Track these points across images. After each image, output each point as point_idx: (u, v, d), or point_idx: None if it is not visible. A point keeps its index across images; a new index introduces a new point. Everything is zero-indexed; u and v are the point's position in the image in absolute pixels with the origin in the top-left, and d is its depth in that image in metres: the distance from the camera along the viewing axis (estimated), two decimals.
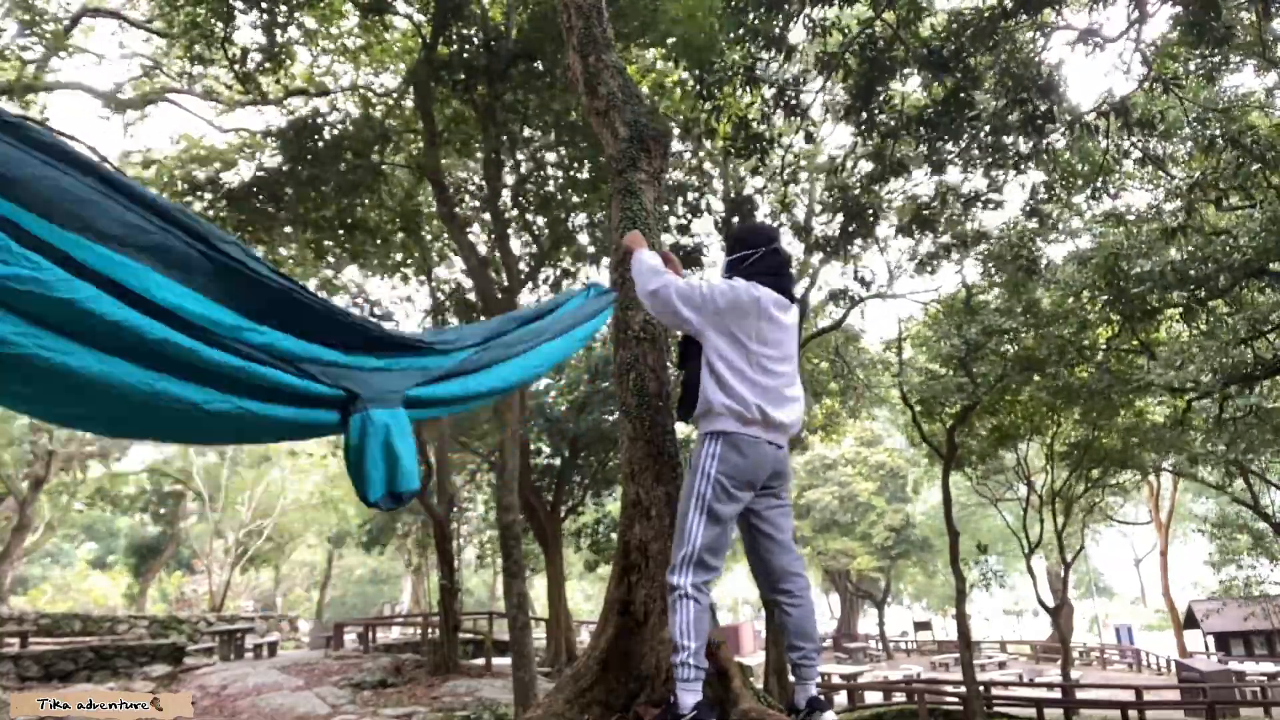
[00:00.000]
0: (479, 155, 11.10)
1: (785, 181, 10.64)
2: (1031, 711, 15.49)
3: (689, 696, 2.55)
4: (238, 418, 1.63)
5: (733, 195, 11.86)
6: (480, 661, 15.91)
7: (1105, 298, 10.60)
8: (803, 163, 12.87)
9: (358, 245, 11.36)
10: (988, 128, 7.59)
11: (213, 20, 9.50)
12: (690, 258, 9.28)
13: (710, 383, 2.73)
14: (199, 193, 10.39)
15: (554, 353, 2.63)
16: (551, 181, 11.68)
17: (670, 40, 9.48)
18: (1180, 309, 10.28)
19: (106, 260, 1.34)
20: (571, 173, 11.36)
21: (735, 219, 10.63)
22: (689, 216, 9.46)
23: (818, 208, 13.30)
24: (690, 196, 9.55)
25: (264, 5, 9.35)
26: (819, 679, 3.08)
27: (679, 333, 3.06)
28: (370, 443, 1.78)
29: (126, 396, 1.44)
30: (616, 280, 3.58)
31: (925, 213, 9.14)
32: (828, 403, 18.66)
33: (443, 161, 10.82)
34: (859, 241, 9.78)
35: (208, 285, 1.52)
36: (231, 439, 1.85)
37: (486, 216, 12.40)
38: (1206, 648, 28.92)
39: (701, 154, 12.44)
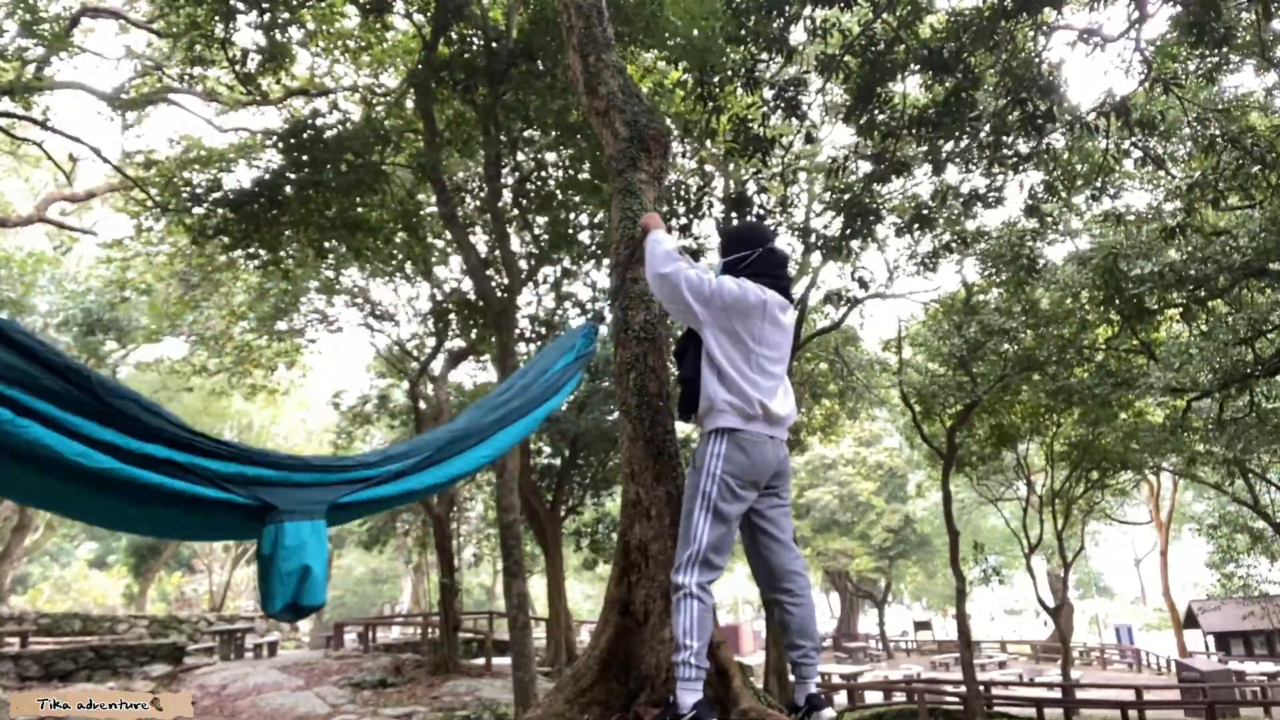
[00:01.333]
0: (480, 155, 11.10)
1: (786, 182, 10.63)
2: (1031, 711, 15.50)
3: (689, 696, 2.55)
4: (161, 523, 1.85)
5: (733, 195, 11.87)
6: (480, 661, 15.92)
7: (1104, 297, 10.60)
8: (803, 163, 12.88)
9: (359, 244, 11.36)
10: (988, 128, 7.60)
11: (213, 20, 9.50)
12: (693, 257, 9.26)
13: (712, 379, 2.74)
14: (199, 198, 10.39)
15: (512, 436, 2.63)
16: (551, 181, 11.69)
17: (671, 42, 9.50)
18: (1180, 309, 10.28)
19: (21, 395, 1.50)
20: (571, 173, 11.36)
21: (735, 219, 10.64)
22: (690, 217, 9.45)
23: (818, 208, 13.32)
24: (691, 197, 9.54)
25: (264, 5, 9.35)
26: (819, 678, 3.09)
27: (677, 331, 3.07)
28: (280, 557, 1.81)
29: (48, 495, 1.67)
30: (617, 285, 3.58)
31: (925, 212, 9.13)
32: (827, 404, 18.65)
33: (443, 162, 10.83)
34: (858, 241, 9.78)
35: (111, 418, 1.64)
36: (161, 535, 2.01)
37: (487, 216, 12.40)
38: (1206, 647, 28.92)
39: (703, 154, 12.45)
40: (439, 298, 14.39)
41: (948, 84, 7.25)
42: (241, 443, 1.91)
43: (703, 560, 2.65)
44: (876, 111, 7.62)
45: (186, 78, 11.80)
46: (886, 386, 18.73)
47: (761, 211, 8.88)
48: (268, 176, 10.01)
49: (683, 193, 9.27)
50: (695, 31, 9.23)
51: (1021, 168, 8.31)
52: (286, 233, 10.50)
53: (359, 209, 10.51)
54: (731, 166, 12.67)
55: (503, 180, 11.04)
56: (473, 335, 14.11)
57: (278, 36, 9.75)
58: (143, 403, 1.67)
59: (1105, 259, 9.91)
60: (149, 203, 11.64)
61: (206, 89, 12.35)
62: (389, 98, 12.23)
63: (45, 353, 1.53)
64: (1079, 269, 11.41)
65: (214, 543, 31.76)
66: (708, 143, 11.19)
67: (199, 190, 10.59)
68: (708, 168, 12.98)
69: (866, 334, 20.09)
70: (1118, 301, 10.25)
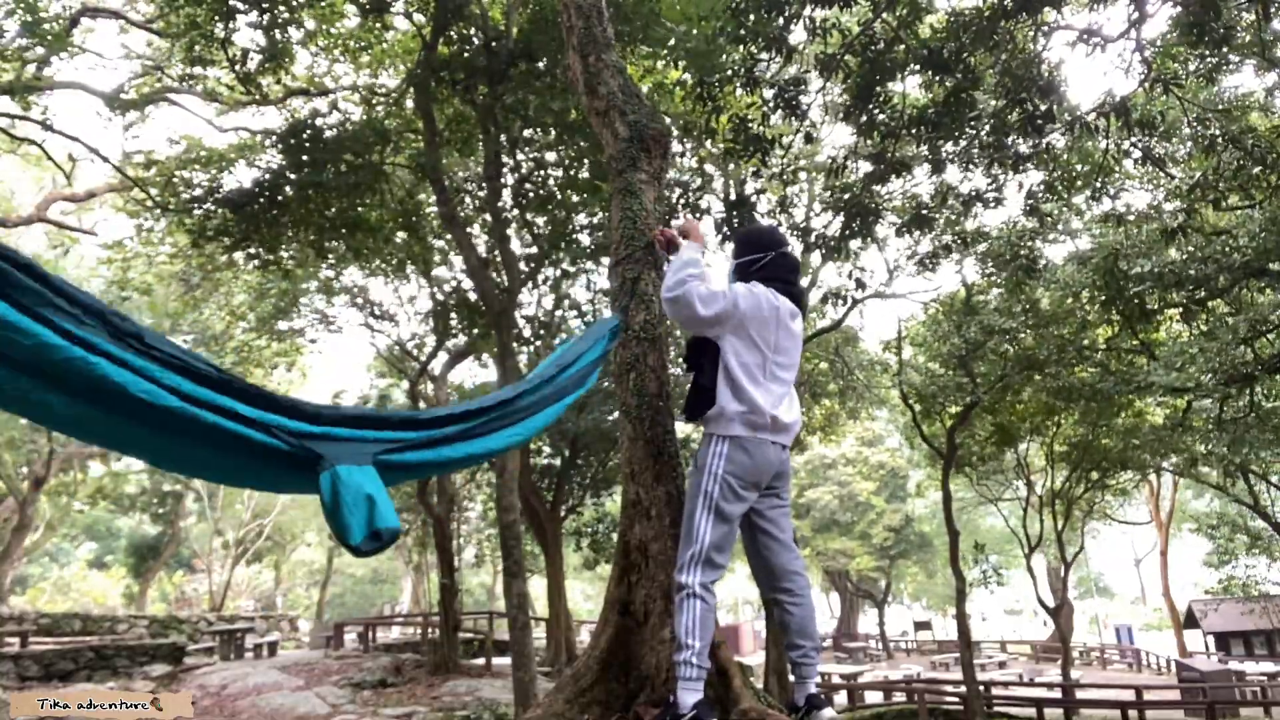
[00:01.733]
0: (480, 155, 11.10)
1: (785, 182, 10.63)
2: (1031, 711, 15.49)
3: (690, 695, 2.55)
4: (219, 466, 1.91)
5: (733, 195, 11.86)
6: (480, 661, 15.92)
7: (1104, 298, 10.61)
8: (802, 162, 12.87)
9: (359, 244, 11.37)
10: (988, 128, 7.60)
11: (213, 20, 9.50)
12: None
13: (725, 388, 2.73)
14: (200, 199, 10.40)
15: (538, 423, 2.68)
16: (551, 181, 11.69)
17: (670, 42, 9.49)
18: (1180, 309, 10.28)
19: (90, 333, 1.57)
20: (571, 173, 11.36)
21: (735, 219, 10.63)
22: (688, 218, 9.47)
23: (817, 207, 13.31)
24: (690, 197, 9.55)
25: (264, 5, 9.35)
26: (819, 678, 3.09)
27: (676, 331, 3.07)
28: (344, 492, 1.85)
29: (117, 435, 1.72)
30: (616, 287, 3.58)
31: (924, 212, 9.13)
32: (827, 403, 18.65)
33: (443, 161, 10.83)
34: (858, 242, 9.78)
35: (164, 363, 1.71)
36: (219, 479, 2.10)
37: (486, 216, 12.40)
38: (1206, 647, 28.92)
39: (702, 154, 12.44)
40: (439, 298, 14.39)
41: (947, 84, 7.25)
42: (273, 391, 1.97)
43: (705, 560, 2.66)
44: (876, 111, 7.62)
45: (186, 78, 11.81)
46: (887, 387, 18.73)
47: (761, 212, 8.87)
48: (268, 177, 10.01)
49: (682, 194, 9.27)
50: (694, 31, 9.23)
51: (1021, 168, 8.30)
52: (287, 233, 10.50)
53: (359, 209, 10.51)
54: (731, 167, 12.67)
55: (503, 180, 11.04)
56: (473, 335, 14.11)
57: (278, 36, 9.75)
58: (182, 350, 1.74)
59: (1105, 259, 9.92)
60: (149, 203, 11.64)
61: (206, 89, 12.35)
62: (389, 98, 12.24)
63: (96, 303, 1.60)
64: (1079, 269, 11.41)
65: (214, 541, 31.77)
66: (707, 143, 11.19)
67: (199, 190, 10.59)
68: (707, 167, 12.97)
69: (867, 334, 20.13)
70: (1118, 302, 10.26)
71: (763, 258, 2.94)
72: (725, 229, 8.02)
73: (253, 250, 10.62)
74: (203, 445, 1.76)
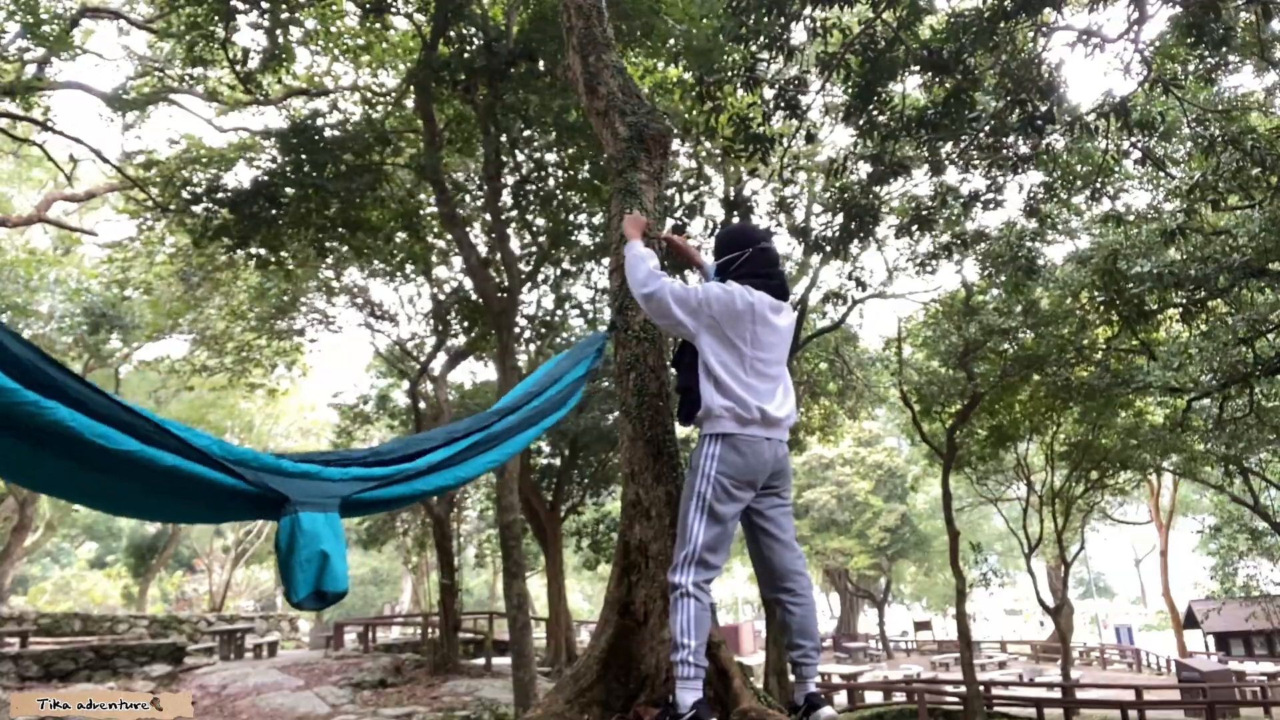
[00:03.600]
0: (479, 155, 11.10)
1: (785, 182, 10.64)
2: (1031, 711, 15.51)
3: (689, 695, 2.56)
4: (178, 510, 1.90)
5: (732, 196, 11.87)
6: (480, 661, 15.93)
7: (1103, 298, 10.61)
8: (802, 162, 12.87)
9: (359, 244, 11.37)
10: (987, 128, 7.60)
11: (213, 20, 9.50)
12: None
13: (708, 386, 2.75)
14: (200, 199, 10.39)
15: (515, 446, 2.69)
16: (551, 181, 11.69)
17: (670, 42, 9.50)
18: (1180, 309, 10.28)
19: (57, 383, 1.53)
20: (571, 173, 11.37)
21: (735, 219, 10.64)
22: (685, 219, 9.46)
23: (817, 208, 13.31)
24: (688, 197, 9.55)
25: (264, 5, 9.35)
26: (819, 678, 3.09)
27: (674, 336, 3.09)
28: (300, 542, 1.83)
29: (66, 481, 1.68)
30: (616, 287, 3.58)
31: (924, 213, 9.13)
32: (825, 403, 18.65)
33: (443, 162, 10.83)
34: (858, 242, 9.79)
35: (124, 407, 1.67)
36: (183, 521, 2.05)
37: (487, 216, 12.41)
38: (1206, 648, 28.93)
39: (702, 154, 12.45)
40: (439, 297, 14.39)
41: (947, 85, 7.25)
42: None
43: (699, 560, 2.67)
44: (876, 112, 7.62)
45: (186, 78, 11.81)
46: (886, 386, 18.74)
47: (760, 213, 8.88)
48: (267, 177, 10.01)
49: (680, 195, 9.27)
50: (695, 31, 9.23)
51: (1021, 169, 8.30)
52: (287, 232, 10.50)
53: (359, 209, 10.51)
54: (731, 169, 12.67)
55: (502, 180, 11.04)
56: (473, 335, 14.12)
57: (278, 36, 9.75)
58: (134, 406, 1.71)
59: (1105, 259, 9.92)
60: (149, 203, 11.64)
61: (207, 89, 12.36)
62: (389, 97, 12.24)
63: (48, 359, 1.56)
64: (1078, 269, 11.41)
65: (214, 541, 31.79)
66: (706, 142, 11.19)
67: (199, 190, 10.59)
68: (706, 168, 12.98)
69: (867, 333, 20.13)
70: (1118, 302, 10.26)
71: (740, 255, 2.95)
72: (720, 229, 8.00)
73: (253, 250, 10.63)
74: (163, 491, 1.72)
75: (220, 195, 10.19)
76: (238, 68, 9.90)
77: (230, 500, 1.82)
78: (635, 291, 2.89)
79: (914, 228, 9.22)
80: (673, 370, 3.25)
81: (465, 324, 13.90)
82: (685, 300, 2.78)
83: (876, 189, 8.79)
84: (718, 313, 2.75)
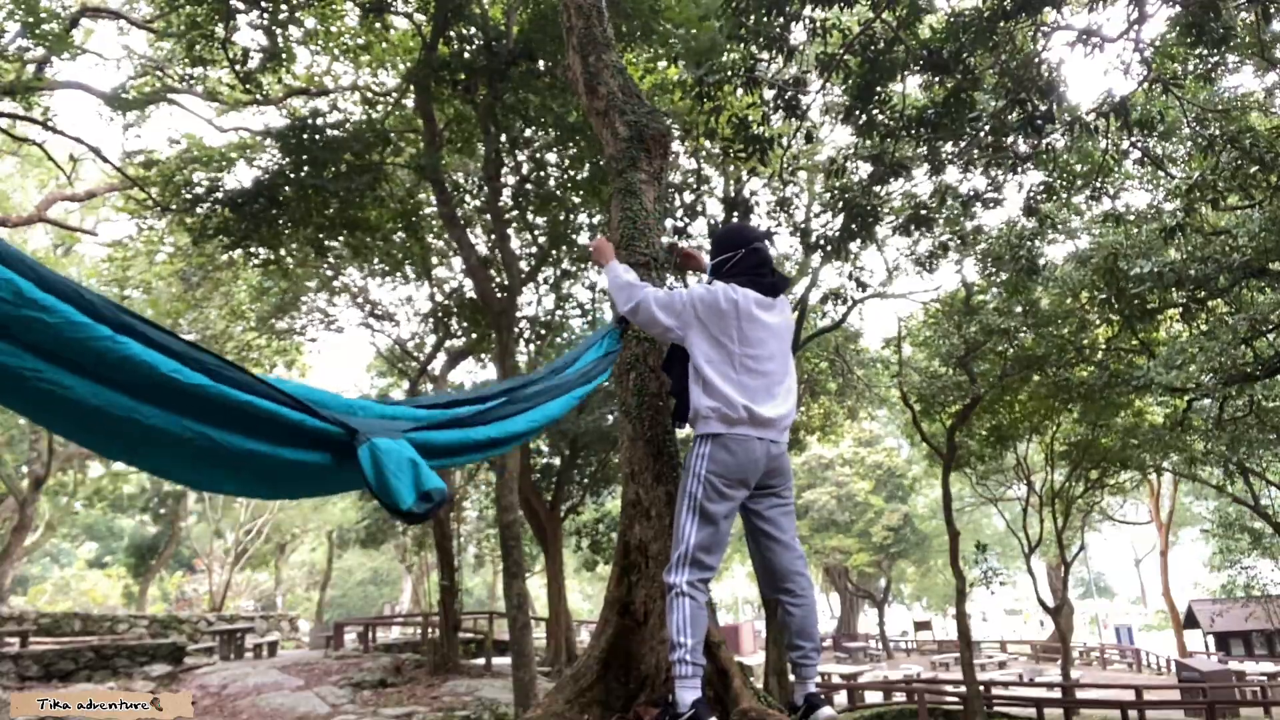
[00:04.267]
0: (479, 155, 11.11)
1: (785, 182, 10.63)
2: (1031, 711, 15.50)
3: (687, 694, 2.56)
4: (245, 459, 1.75)
5: (732, 196, 11.87)
6: (480, 661, 15.92)
7: (1104, 298, 10.61)
8: (802, 162, 12.87)
9: (358, 244, 11.37)
10: (987, 128, 7.59)
11: (213, 19, 9.50)
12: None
13: (695, 387, 2.79)
14: (200, 198, 10.39)
15: (552, 411, 2.73)
16: (551, 181, 11.69)
17: (670, 41, 9.50)
18: (1180, 309, 10.28)
19: (111, 309, 1.49)
20: (571, 173, 11.37)
21: (735, 219, 10.64)
22: (686, 219, 9.48)
23: (817, 208, 13.31)
24: (688, 198, 9.56)
25: (264, 5, 9.35)
26: (819, 678, 3.09)
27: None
28: (386, 461, 1.83)
29: (134, 430, 1.57)
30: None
31: (923, 212, 9.13)
32: (825, 402, 18.65)
33: (443, 161, 10.83)
34: (858, 242, 9.79)
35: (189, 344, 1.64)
36: (234, 485, 1.93)
37: (486, 216, 12.40)
38: (1206, 648, 28.93)
39: (702, 154, 12.44)
40: (439, 297, 14.39)
41: (947, 84, 7.24)
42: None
43: (692, 560, 2.67)
44: (876, 112, 7.62)
45: (186, 78, 11.81)
46: (886, 385, 18.73)
47: (760, 213, 8.88)
48: (267, 177, 10.02)
49: (680, 196, 9.28)
50: (694, 31, 9.23)
51: (1021, 168, 8.30)
52: (287, 231, 10.50)
53: (358, 208, 10.52)
54: (731, 168, 12.67)
55: (502, 180, 11.04)
56: (472, 335, 14.12)
57: (278, 36, 9.75)
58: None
59: (1105, 259, 9.92)
60: (149, 203, 11.64)
61: (207, 89, 12.35)
62: (389, 97, 12.24)
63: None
64: (1078, 269, 11.41)
65: (214, 542, 31.77)
66: (706, 142, 11.19)
67: (199, 190, 10.60)
68: (705, 169, 12.97)
69: (867, 333, 20.15)
70: (1116, 302, 10.26)
71: (733, 256, 2.99)
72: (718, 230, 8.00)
73: (253, 249, 10.63)
74: (234, 430, 1.66)
75: (220, 195, 10.20)
76: (237, 68, 9.90)
77: (301, 443, 1.79)
78: (622, 309, 2.96)
79: (912, 226, 9.21)
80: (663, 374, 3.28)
81: (465, 324, 13.89)
82: (669, 305, 2.84)
83: (876, 189, 8.79)
84: (702, 313, 2.79)
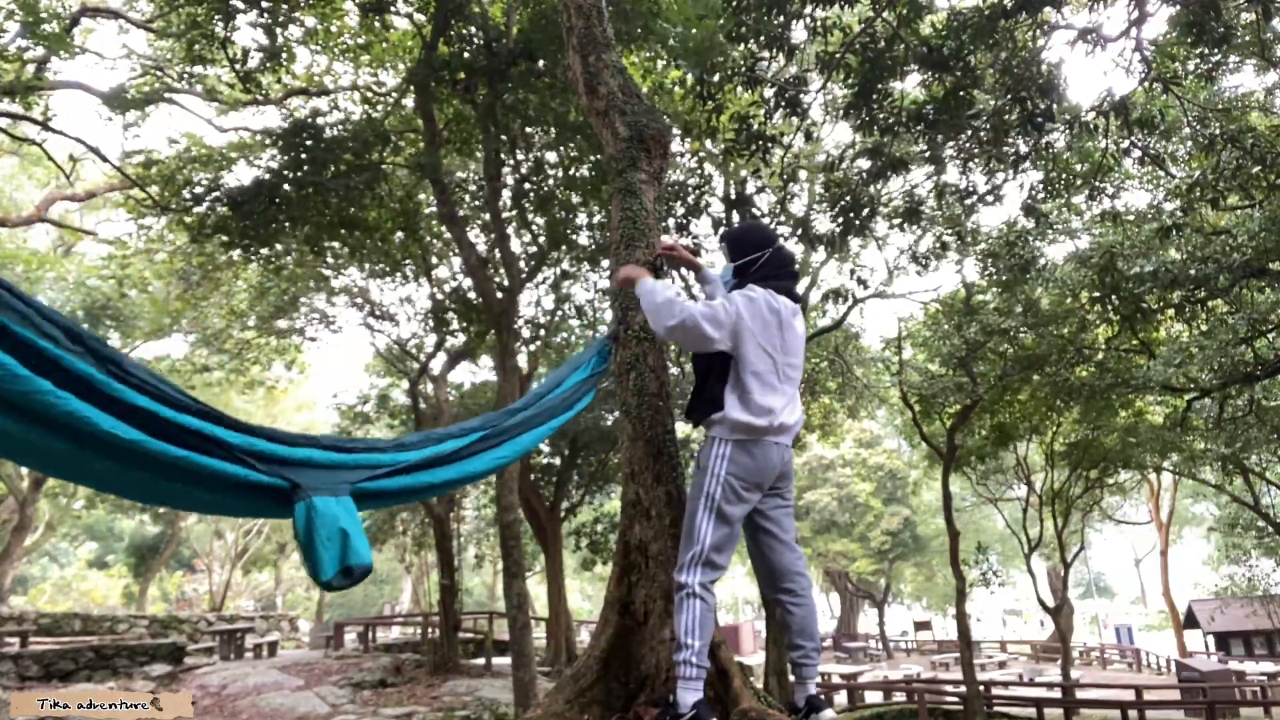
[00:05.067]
0: (479, 155, 11.10)
1: (785, 180, 10.63)
2: (1031, 711, 15.50)
3: (690, 695, 2.55)
4: (189, 498, 1.84)
5: (734, 195, 11.87)
6: (480, 661, 15.93)
7: (1099, 295, 10.60)
8: (803, 161, 12.86)
9: (356, 243, 11.36)
10: (987, 126, 7.59)
11: (213, 18, 9.50)
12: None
13: (733, 396, 2.72)
14: (200, 197, 10.38)
15: (524, 443, 2.71)
16: (551, 180, 11.68)
17: (670, 41, 9.49)
18: (1179, 309, 10.28)
19: (65, 358, 1.53)
20: (572, 172, 11.36)
21: (735, 217, 10.64)
22: (688, 218, 9.47)
23: (817, 205, 13.30)
24: (690, 197, 9.55)
25: (264, 4, 9.34)
26: (819, 678, 3.08)
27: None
28: (318, 525, 1.84)
29: (87, 468, 1.65)
30: (615, 288, 3.58)
31: (918, 207, 9.13)
32: (825, 401, 18.65)
33: (443, 161, 10.83)
34: (857, 238, 9.80)
35: (140, 387, 1.67)
36: (197, 510, 2.08)
37: (486, 216, 12.40)
38: (1206, 647, 28.93)
39: (702, 153, 12.44)
40: (439, 297, 14.38)
41: (947, 82, 7.24)
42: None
43: (706, 560, 2.67)
44: (876, 109, 7.62)
45: (186, 77, 11.80)
46: (886, 385, 18.72)
47: (761, 211, 8.88)
48: (268, 175, 10.01)
49: (681, 193, 9.27)
50: (694, 31, 9.22)
51: (1020, 167, 8.30)
52: (285, 228, 10.48)
53: (359, 206, 10.51)
54: (732, 167, 12.67)
55: (502, 180, 11.04)
56: (471, 334, 14.10)
57: (278, 35, 9.75)
58: (160, 378, 1.72)
59: (1103, 258, 9.91)
60: (148, 202, 11.64)
61: (206, 88, 12.35)
62: (389, 97, 12.23)
63: (76, 328, 1.57)
64: (1078, 269, 11.41)
65: (214, 542, 31.78)
66: (707, 142, 11.19)
67: (199, 188, 10.59)
68: (706, 167, 12.97)
69: (867, 333, 20.15)
70: (1115, 300, 10.25)
71: (760, 257, 2.95)
72: (723, 228, 8.01)
73: (251, 248, 10.60)
74: (174, 479, 1.73)
75: (219, 194, 10.19)
76: (237, 67, 9.90)
77: (241, 491, 1.82)
78: (664, 326, 2.77)
79: (908, 221, 9.22)
80: (674, 364, 3.25)
81: (464, 324, 13.88)
82: (715, 318, 2.71)
83: (875, 184, 8.79)
84: (751, 323, 2.73)
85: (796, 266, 3.09)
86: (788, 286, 2.90)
